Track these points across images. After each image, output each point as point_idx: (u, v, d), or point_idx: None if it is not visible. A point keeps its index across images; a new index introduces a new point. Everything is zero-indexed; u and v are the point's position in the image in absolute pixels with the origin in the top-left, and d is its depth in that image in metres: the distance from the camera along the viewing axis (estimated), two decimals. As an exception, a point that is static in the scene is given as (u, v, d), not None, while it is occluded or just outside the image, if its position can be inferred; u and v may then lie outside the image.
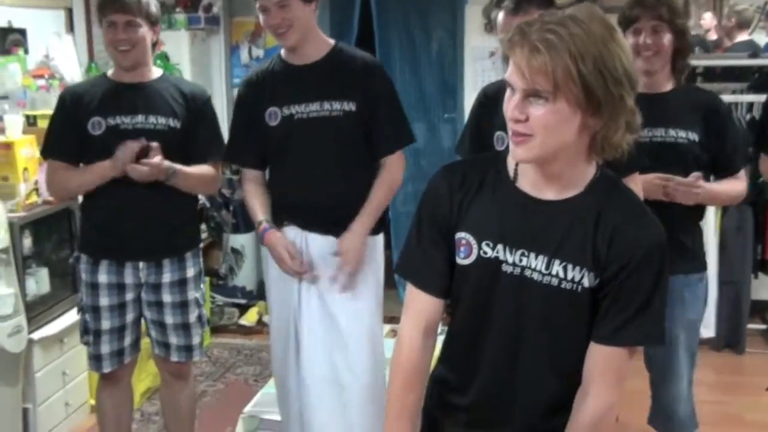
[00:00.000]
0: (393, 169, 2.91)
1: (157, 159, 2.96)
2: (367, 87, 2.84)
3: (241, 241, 5.56)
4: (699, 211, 2.91)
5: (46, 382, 3.86)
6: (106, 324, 3.15)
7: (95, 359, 3.20)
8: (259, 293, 5.61)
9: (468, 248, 1.72)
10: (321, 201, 2.85)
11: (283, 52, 2.92)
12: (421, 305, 1.80)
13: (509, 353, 1.73)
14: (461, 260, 1.73)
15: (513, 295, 1.70)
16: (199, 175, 3.13)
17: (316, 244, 2.87)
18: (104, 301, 3.13)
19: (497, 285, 1.71)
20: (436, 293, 1.79)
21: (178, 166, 3.03)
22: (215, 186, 3.35)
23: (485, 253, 1.71)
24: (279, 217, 2.91)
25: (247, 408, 3.44)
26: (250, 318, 5.37)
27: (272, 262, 2.93)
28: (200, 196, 4.76)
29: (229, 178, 5.53)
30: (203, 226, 5.36)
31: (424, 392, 1.83)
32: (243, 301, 5.52)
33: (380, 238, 2.99)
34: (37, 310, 3.81)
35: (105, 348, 3.17)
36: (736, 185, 2.89)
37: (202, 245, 3.47)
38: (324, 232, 2.87)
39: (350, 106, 2.81)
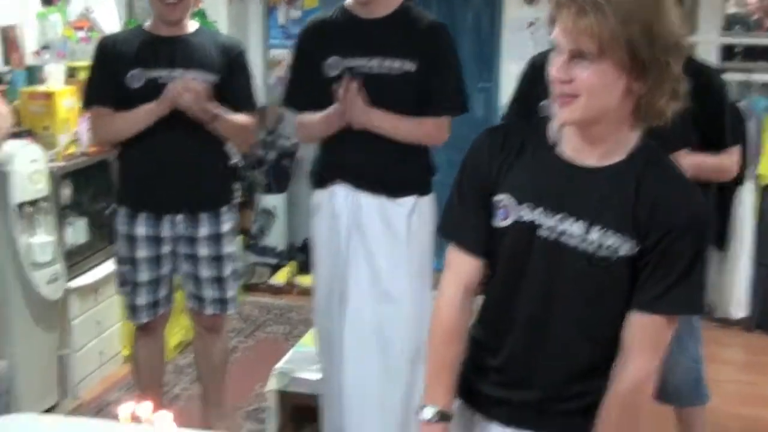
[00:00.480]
0: (432, 129, 2.89)
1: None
2: (429, 48, 2.81)
3: (273, 201, 5.59)
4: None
5: (82, 330, 3.93)
6: (142, 276, 3.19)
7: (132, 310, 3.25)
8: (290, 254, 5.65)
9: (505, 211, 1.73)
10: (373, 160, 2.85)
11: (348, 2, 2.90)
12: (461, 265, 1.81)
13: (541, 318, 1.73)
14: (498, 222, 1.74)
15: (548, 261, 1.70)
16: (238, 122, 3.15)
17: (367, 204, 2.88)
18: (141, 253, 3.17)
19: (532, 249, 1.71)
20: (476, 253, 1.80)
21: (219, 110, 3.06)
22: (252, 136, 3.36)
23: (522, 216, 1.71)
24: (330, 174, 2.92)
25: (279, 365, 3.47)
26: (280, 278, 5.42)
27: (321, 217, 2.95)
28: (234, 155, 4.81)
29: (263, 139, 5.55)
30: (236, 185, 5.39)
31: (462, 351, 1.84)
32: (273, 261, 5.55)
33: (429, 199, 2.98)
34: (74, 260, 3.87)
35: (141, 299, 3.22)
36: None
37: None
38: (375, 191, 2.87)
39: (409, 66, 2.79)
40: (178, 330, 4.33)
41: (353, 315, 2.90)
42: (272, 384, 3.42)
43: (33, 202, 3.53)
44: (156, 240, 3.16)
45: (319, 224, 2.97)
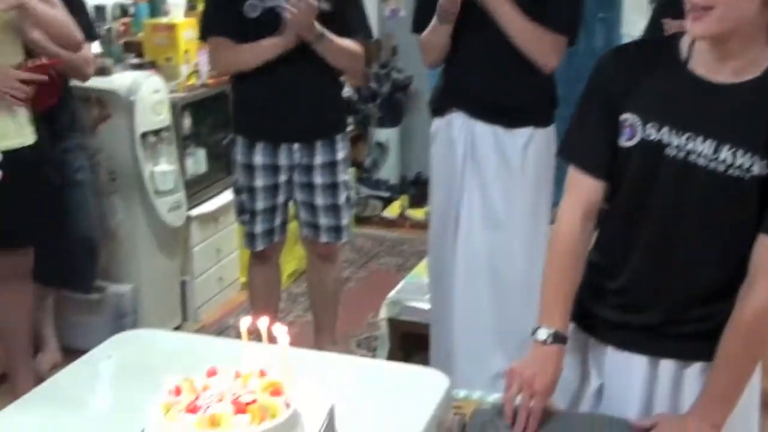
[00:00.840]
0: (547, 45, 2.78)
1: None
2: None
3: (386, 135, 5.61)
4: None
5: (202, 257, 4.07)
6: (260, 204, 3.27)
7: (250, 237, 3.34)
8: (402, 187, 5.68)
9: (632, 130, 1.69)
10: (491, 86, 2.82)
11: None
12: (581, 188, 1.79)
13: (665, 240, 1.71)
14: (624, 143, 1.71)
15: (675, 181, 1.67)
16: (345, 46, 3.16)
17: (482, 133, 2.87)
18: (259, 182, 3.24)
19: (659, 170, 1.68)
20: (597, 176, 1.77)
21: (326, 32, 3.08)
22: (360, 64, 3.34)
23: (649, 135, 1.68)
24: (448, 102, 2.92)
25: (391, 294, 3.52)
26: (392, 211, 5.46)
27: (438, 145, 2.96)
28: (347, 87, 4.83)
29: (376, 72, 5.56)
30: (350, 119, 5.43)
31: (580, 275, 1.83)
32: (386, 195, 5.60)
33: (548, 131, 2.93)
34: (194, 189, 4.00)
35: (258, 227, 3.31)
36: None
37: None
38: (490, 121, 2.85)
39: None
40: (292, 259, 4.43)
41: (465, 243, 2.92)
42: (384, 313, 3.47)
43: (156, 132, 3.65)
44: (273, 169, 3.23)
45: (436, 152, 2.99)
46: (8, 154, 2.88)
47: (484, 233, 2.90)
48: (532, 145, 2.86)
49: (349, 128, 5.41)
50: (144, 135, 3.59)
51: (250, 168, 3.24)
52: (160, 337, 2.19)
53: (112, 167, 3.62)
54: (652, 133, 1.67)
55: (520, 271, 2.87)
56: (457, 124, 2.89)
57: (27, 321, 3.21)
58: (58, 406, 1.78)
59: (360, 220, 5.35)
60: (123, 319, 3.65)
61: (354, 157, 5.57)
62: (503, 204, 2.88)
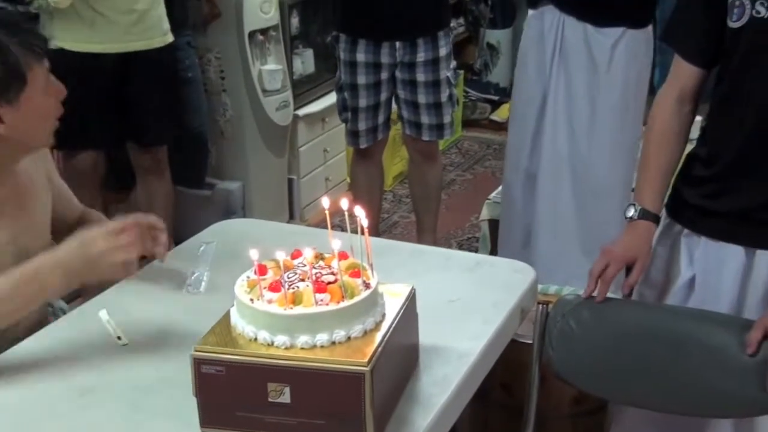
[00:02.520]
0: None
1: None
2: None
3: (497, 36, 5.51)
4: None
5: (309, 156, 4.14)
6: (362, 102, 3.29)
7: (352, 135, 3.38)
8: (512, 91, 5.59)
9: (741, 9, 1.64)
10: None
11: None
12: (679, 72, 1.79)
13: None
14: (732, 23, 1.66)
15: None
16: None
17: (571, 29, 2.82)
18: (362, 79, 3.26)
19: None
20: (696, 61, 1.76)
21: None
22: None
23: (758, 12, 1.62)
24: None
25: (493, 194, 3.51)
26: (501, 114, 5.40)
27: (529, 37, 2.92)
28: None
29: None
30: (461, 20, 5.35)
31: (675, 157, 1.82)
32: (495, 98, 5.53)
33: (642, 33, 2.84)
34: (302, 89, 4.05)
35: (361, 125, 3.34)
36: None
37: (456, 38, 3.52)
38: (579, 17, 2.81)
39: None
40: (399, 160, 4.47)
41: (550, 141, 2.90)
42: (485, 213, 3.47)
43: (264, 31, 3.70)
44: (375, 66, 3.23)
45: (526, 44, 2.95)
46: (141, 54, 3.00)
47: (567, 132, 2.86)
48: (621, 46, 2.80)
49: (460, 29, 5.37)
50: (252, 34, 3.64)
51: (353, 65, 3.25)
52: (259, 226, 2.27)
53: (222, 66, 3.69)
54: (762, 10, 1.62)
55: (602, 175, 2.84)
56: (549, 18, 2.85)
57: (168, 214, 3.37)
58: (160, 285, 1.89)
59: (468, 123, 5.31)
60: (232, 216, 3.76)
61: (464, 60, 5.52)
62: (587, 105, 2.84)
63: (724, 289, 1.75)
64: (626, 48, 2.81)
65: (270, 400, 1.36)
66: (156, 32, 3.11)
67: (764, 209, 1.70)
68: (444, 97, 3.30)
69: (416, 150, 3.46)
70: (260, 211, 3.87)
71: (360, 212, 1.44)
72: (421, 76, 3.25)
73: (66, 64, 3.07)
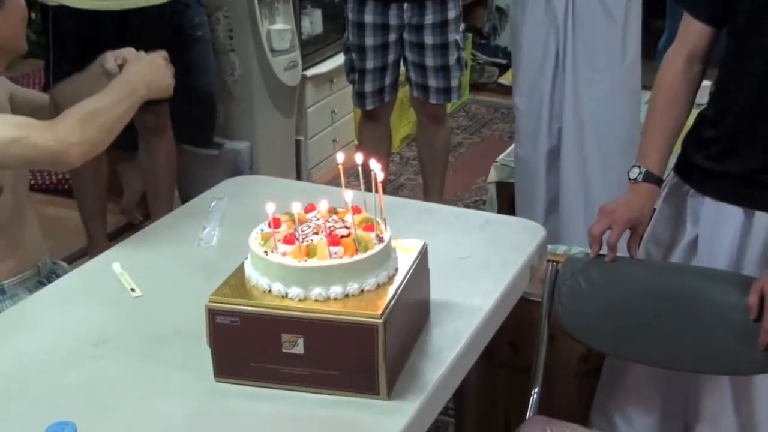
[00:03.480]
0: None
1: None
2: None
3: (507, 0, 5.47)
4: None
5: (317, 117, 4.13)
6: (370, 63, 3.28)
7: (359, 96, 3.37)
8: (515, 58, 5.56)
9: None
10: None
11: None
12: (687, 30, 1.78)
13: None
14: None
15: None
16: None
17: None
18: (369, 41, 3.24)
19: None
20: (703, 19, 1.75)
21: None
22: None
23: None
24: None
25: (501, 157, 3.51)
26: (509, 78, 5.36)
27: (530, 5, 2.91)
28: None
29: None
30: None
31: (682, 118, 1.81)
32: (503, 61, 5.49)
33: None
34: (310, 49, 4.03)
35: (368, 86, 3.32)
36: None
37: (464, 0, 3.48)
38: None
39: None
40: (406, 123, 4.46)
41: (569, 107, 2.89)
42: (493, 176, 3.47)
43: (272, -10, 3.68)
44: (383, 27, 3.22)
45: (531, 15, 2.92)
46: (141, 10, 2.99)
47: (588, 93, 2.86)
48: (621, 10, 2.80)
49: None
50: (261, -8, 3.62)
51: (360, 26, 3.23)
52: (269, 182, 2.28)
53: (230, 24, 3.67)
54: None
55: (626, 130, 2.84)
56: None
57: (172, 172, 3.41)
58: (172, 240, 1.90)
59: (475, 87, 5.29)
60: (240, 176, 3.78)
61: (472, 23, 5.48)
62: (608, 61, 2.84)
63: (723, 249, 1.77)
64: (625, 10, 2.83)
65: (284, 350, 1.38)
66: None
67: (764, 171, 1.70)
68: (452, 60, 3.29)
69: (424, 113, 3.46)
70: (267, 172, 3.86)
71: (375, 166, 1.45)
72: (429, 39, 3.23)
73: (68, 23, 3.11)
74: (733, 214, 1.74)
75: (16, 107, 1.90)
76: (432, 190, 3.59)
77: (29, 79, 4.45)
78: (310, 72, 4.01)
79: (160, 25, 3.13)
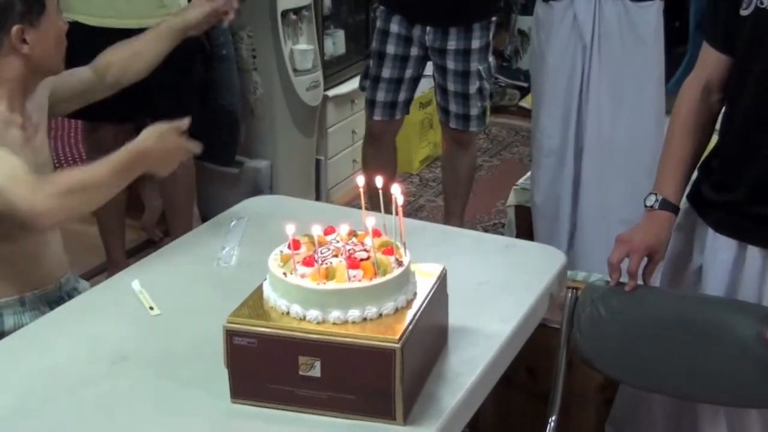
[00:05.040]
0: None
1: None
2: None
3: (528, 23, 5.44)
4: None
5: (337, 137, 4.14)
6: (386, 72, 3.26)
7: (370, 104, 3.35)
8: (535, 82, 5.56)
9: None
10: None
11: None
12: (706, 59, 1.78)
13: (760, 111, 1.65)
14: (743, 11, 1.66)
15: None
16: None
17: (610, 9, 2.82)
18: (390, 48, 3.24)
19: (765, 38, 1.62)
20: (720, 48, 1.75)
21: None
22: None
23: (762, 2, 1.62)
24: None
25: (520, 180, 3.51)
26: (530, 100, 5.36)
27: (559, 29, 2.90)
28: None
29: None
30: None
31: (698, 147, 1.81)
32: (525, 84, 5.48)
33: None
34: (332, 70, 4.05)
35: (380, 95, 3.30)
36: None
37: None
38: None
39: None
40: (426, 144, 4.46)
41: (593, 131, 2.88)
42: (512, 199, 3.47)
43: (296, 11, 3.70)
44: (407, 40, 3.22)
45: (557, 37, 2.92)
46: None
47: (612, 114, 2.86)
48: (657, 17, 2.83)
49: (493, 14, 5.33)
50: (285, 13, 3.64)
51: (385, 33, 3.24)
52: (289, 202, 2.29)
53: (254, 44, 3.70)
54: (765, 1, 1.61)
55: (651, 152, 2.83)
56: (582, 4, 2.83)
57: (190, 190, 3.43)
58: (191, 258, 1.91)
59: (497, 109, 5.29)
60: (259, 194, 3.78)
61: (495, 46, 5.48)
62: (633, 82, 2.83)
63: (719, 282, 1.76)
64: (659, 18, 2.84)
65: (301, 373, 1.37)
66: (173, 9, 3.08)
67: (754, 202, 1.69)
68: (473, 89, 3.27)
69: (449, 135, 3.46)
70: (287, 191, 3.87)
71: (396, 190, 1.45)
72: (450, 64, 3.23)
73: (80, 39, 3.12)
74: (727, 246, 1.73)
75: (59, 94, 1.95)
76: (452, 214, 3.58)
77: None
78: (331, 92, 4.02)
79: (185, 44, 3.15)
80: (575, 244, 3.06)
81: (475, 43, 3.23)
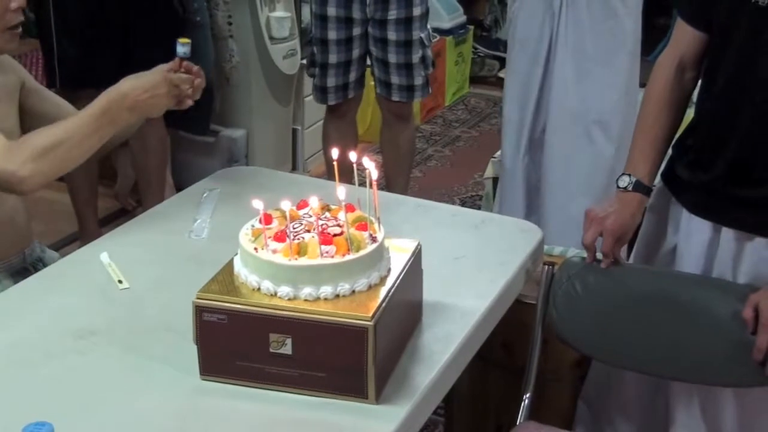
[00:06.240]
0: None
1: None
2: None
3: (509, -8, 5.43)
4: None
5: (314, 107, 4.05)
6: (332, 57, 3.19)
7: (320, 91, 3.28)
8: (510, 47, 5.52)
9: None
10: None
11: None
12: (680, 36, 1.75)
13: (737, 87, 1.63)
14: None
15: (755, 26, 1.58)
16: None
17: None
18: (332, 34, 3.16)
19: (742, 14, 1.59)
20: (695, 25, 1.72)
21: None
22: None
23: None
24: None
25: (498, 153, 3.48)
26: (509, 72, 5.34)
27: None
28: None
29: None
30: (473, -26, 5.27)
31: (672, 126, 1.78)
32: (504, 55, 5.45)
33: None
34: (309, 37, 3.97)
35: (330, 81, 3.23)
36: None
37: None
38: None
39: None
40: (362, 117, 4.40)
41: (557, 101, 2.85)
42: (490, 171, 3.44)
43: (273, -22, 3.64)
44: (347, 21, 3.14)
45: (528, 3, 2.87)
46: None
47: (578, 85, 2.83)
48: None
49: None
50: (261, -21, 3.58)
51: (323, 19, 3.15)
52: (263, 174, 2.25)
53: (230, 11, 3.63)
54: None
55: (621, 125, 2.80)
56: None
57: (162, 160, 3.38)
58: (162, 230, 1.87)
59: (475, 80, 5.26)
60: (235, 164, 3.74)
61: (474, 15, 5.44)
62: (603, 53, 2.80)
63: (694, 263, 1.74)
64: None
65: (271, 350, 1.35)
66: None
67: (729, 183, 1.67)
68: (415, 58, 3.20)
69: (388, 110, 3.36)
70: (263, 161, 3.83)
71: (369, 164, 1.41)
72: (392, 35, 3.15)
73: (72, 9, 3.07)
74: (702, 227, 1.72)
75: (32, 106, 1.86)
76: (395, 191, 3.50)
77: (26, 59, 4.40)
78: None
79: (159, 7, 3.10)
80: (539, 215, 3.02)
81: (416, 11, 3.15)
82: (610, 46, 2.80)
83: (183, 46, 1.86)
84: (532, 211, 3.03)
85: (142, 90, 1.76)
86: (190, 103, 1.88)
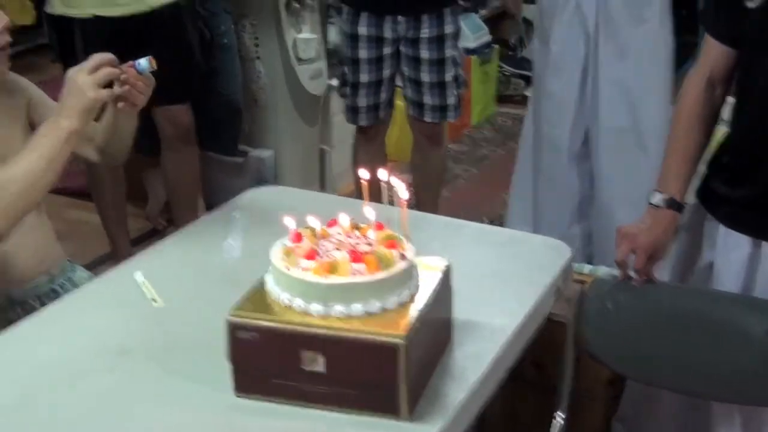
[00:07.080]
0: None
1: None
2: None
3: (534, 12, 5.42)
4: None
5: (341, 127, 4.08)
6: (364, 77, 3.20)
7: (352, 111, 3.29)
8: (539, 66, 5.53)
9: None
10: None
11: None
12: (709, 52, 1.75)
13: None
14: (749, 3, 1.63)
15: None
16: None
17: None
18: (363, 53, 3.17)
19: None
20: (723, 42, 1.72)
21: None
22: None
23: None
24: None
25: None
26: (535, 91, 5.34)
27: (563, 13, 2.89)
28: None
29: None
30: (498, -6, 5.28)
31: (702, 142, 1.78)
32: (530, 73, 5.44)
33: None
34: (335, 58, 4.00)
35: (362, 101, 3.24)
36: None
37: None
38: None
39: None
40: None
41: (606, 112, 2.85)
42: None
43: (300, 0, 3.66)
44: (378, 40, 3.14)
45: (559, 24, 2.90)
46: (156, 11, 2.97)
47: (625, 100, 2.84)
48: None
49: (496, 4, 5.29)
50: (288, 2, 3.60)
51: (354, 38, 3.16)
52: (293, 193, 2.27)
53: (257, 33, 3.66)
54: None
55: (662, 137, 2.81)
56: None
57: (194, 180, 3.41)
58: (195, 249, 1.89)
59: (502, 99, 5.26)
60: (263, 184, 3.76)
61: (499, 35, 5.45)
62: (643, 66, 2.83)
63: (733, 279, 1.73)
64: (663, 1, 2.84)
65: (304, 368, 1.35)
66: None
67: (767, 197, 1.67)
68: (448, 76, 3.19)
69: (420, 132, 3.36)
70: (291, 181, 3.85)
71: (398, 183, 1.42)
72: (424, 54, 3.15)
73: (95, 32, 3.10)
74: (741, 242, 1.71)
75: (40, 118, 1.81)
76: (424, 211, 3.49)
77: (56, 83, 4.47)
78: (335, 81, 3.98)
79: (174, 25, 3.12)
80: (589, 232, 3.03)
81: (448, 29, 3.15)
82: (647, 59, 2.82)
83: (146, 62, 1.77)
84: (576, 222, 3.05)
85: (69, 97, 1.66)
86: (142, 100, 1.80)
